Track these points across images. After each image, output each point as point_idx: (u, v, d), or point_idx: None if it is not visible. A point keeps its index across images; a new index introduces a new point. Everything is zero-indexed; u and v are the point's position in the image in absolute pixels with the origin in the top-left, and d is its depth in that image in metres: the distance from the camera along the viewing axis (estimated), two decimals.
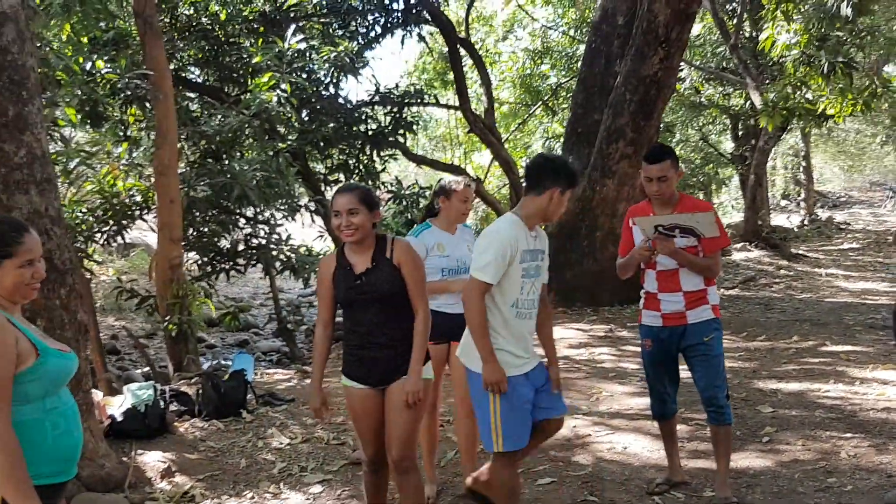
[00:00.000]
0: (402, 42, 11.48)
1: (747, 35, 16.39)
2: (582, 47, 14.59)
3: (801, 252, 15.19)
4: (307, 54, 9.23)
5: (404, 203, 10.80)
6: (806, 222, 21.45)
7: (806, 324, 8.07)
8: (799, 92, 12.18)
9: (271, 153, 8.45)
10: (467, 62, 15.61)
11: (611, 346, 7.53)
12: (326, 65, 9.67)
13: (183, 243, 8.56)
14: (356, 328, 3.14)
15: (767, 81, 15.70)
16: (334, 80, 9.98)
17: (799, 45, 11.05)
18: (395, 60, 52.26)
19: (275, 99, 8.03)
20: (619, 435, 4.81)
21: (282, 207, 8.82)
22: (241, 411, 5.41)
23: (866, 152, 31.11)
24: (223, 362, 7.96)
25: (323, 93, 10.17)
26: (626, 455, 4.47)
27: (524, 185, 3.28)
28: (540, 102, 17.06)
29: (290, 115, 8.64)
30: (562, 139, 12.41)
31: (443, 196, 4.00)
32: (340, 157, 10.86)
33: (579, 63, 11.88)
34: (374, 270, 3.09)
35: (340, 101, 10.49)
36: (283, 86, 8.16)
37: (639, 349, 7.25)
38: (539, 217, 3.17)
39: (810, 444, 4.35)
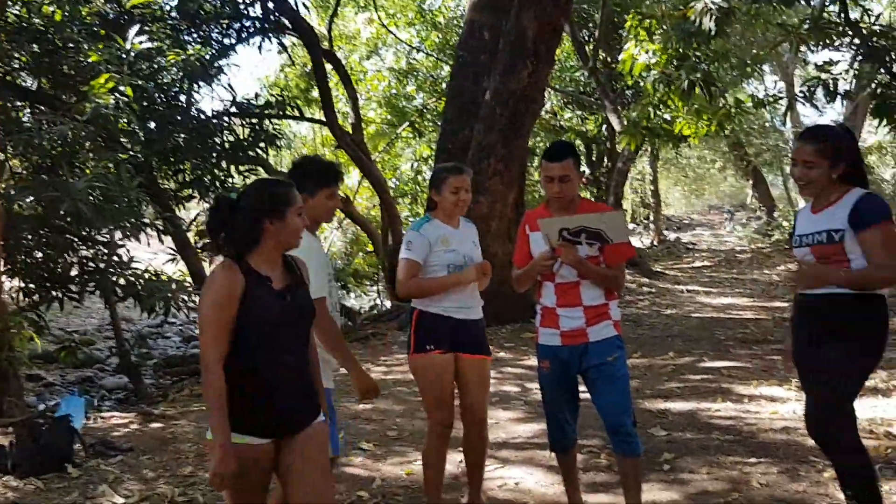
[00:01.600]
0: (260, 48, 10.66)
1: (604, 59, 16.93)
2: (447, 69, 14.45)
3: (660, 270, 15.62)
4: (153, 57, 8.32)
5: None
6: (655, 243, 22.43)
7: (678, 339, 8.05)
8: (658, 112, 12.52)
9: (111, 165, 7.48)
10: (333, 77, 15.11)
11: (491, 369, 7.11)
12: (174, 69, 8.79)
13: (7, 268, 7.46)
14: (281, 359, 2.46)
15: (625, 104, 16.20)
16: (185, 88, 9.09)
17: (658, 64, 11.31)
18: (255, 72, 50.25)
19: (112, 102, 7.11)
20: (510, 469, 4.36)
21: (124, 226, 7.83)
22: (66, 465, 4.51)
23: (705, 177, 33.25)
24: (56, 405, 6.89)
25: (173, 101, 9.27)
26: (520, 492, 4.02)
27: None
28: (407, 123, 16.74)
29: (132, 124, 7.70)
30: (430, 161, 12.11)
31: (433, 188, 3.64)
32: (193, 171, 9.94)
33: (444, 84, 11.67)
34: (295, 287, 2.55)
35: (193, 111, 9.59)
36: (122, 89, 7.25)
37: (520, 370, 7.13)
38: (312, 221, 3.06)
39: (716, 472, 4.07)
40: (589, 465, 4.28)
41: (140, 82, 7.40)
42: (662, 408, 5.35)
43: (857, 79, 9.67)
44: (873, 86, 9.27)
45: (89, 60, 7.64)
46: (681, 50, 10.62)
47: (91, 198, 6.90)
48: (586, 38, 16.50)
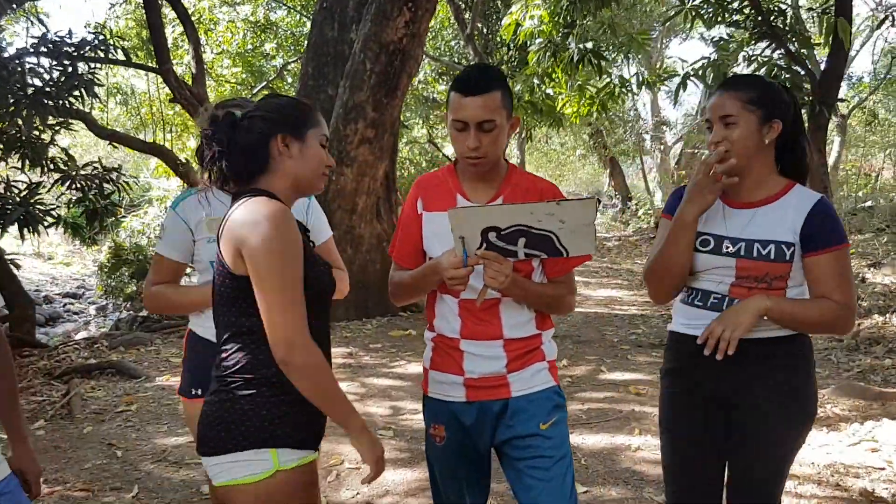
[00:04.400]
0: None
1: (481, 28, 15.90)
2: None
3: None
4: None
5: (80, 186, 8.17)
6: None
7: (567, 342, 7.06)
8: (541, 86, 11.60)
9: None
10: (177, 27, 13.08)
11: (352, 380, 5.79)
12: None
13: None
14: (326, 339, 1.87)
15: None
16: None
17: (544, 32, 10.34)
18: (80, 13, 44.94)
19: None
20: None
21: None
22: None
23: (566, 164, 33.42)
24: None
25: None
26: None
27: None
28: (264, 83, 14.95)
29: None
30: None
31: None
32: None
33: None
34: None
35: None
36: None
37: (389, 383, 5.78)
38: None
39: None
40: None
41: None
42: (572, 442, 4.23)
43: (751, 60, 9.13)
44: (765, 69, 8.72)
45: None
46: (569, 18, 9.66)
47: None
48: (464, 6, 15.33)
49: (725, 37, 9.65)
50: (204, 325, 2.32)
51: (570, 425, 4.35)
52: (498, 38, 14.83)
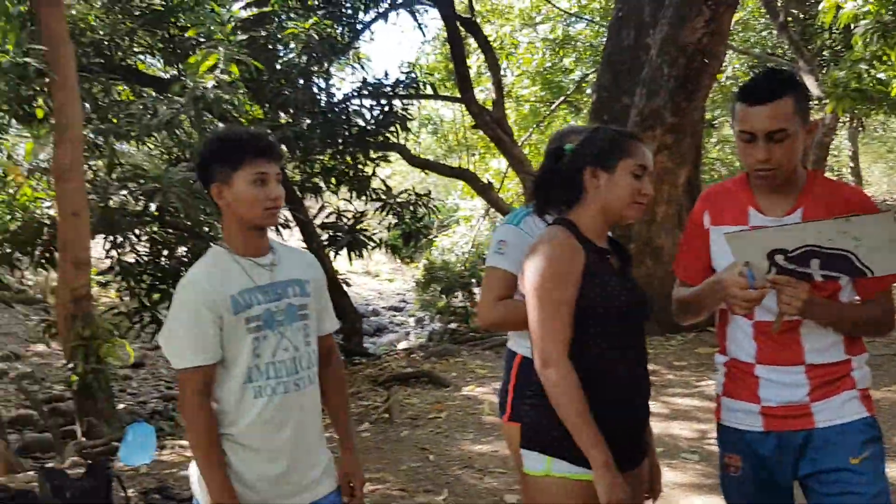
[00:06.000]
0: (385, 18, 9.56)
1: (796, 14, 14.52)
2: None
3: None
4: (259, 25, 7.43)
5: (397, 212, 9.06)
6: None
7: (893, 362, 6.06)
8: (870, 71, 10.23)
9: None
10: (479, 56, 13.87)
11: (654, 399, 5.57)
12: (292, 44, 7.91)
13: (109, 267, 6.92)
14: (629, 362, 1.89)
15: (823, 65, 13.77)
16: (302, 67, 8.21)
17: (870, 13, 9.12)
18: (395, 52, 49.23)
19: (211, 84, 6.27)
20: None
21: None
22: None
23: None
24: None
25: (295, 82, 8.43)
26: None
27: None
28: (562, 98, 15.19)
29: (233, 103, 6.86)
30: None
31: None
32: (328, 160, 9.09)
33: None
34: (629, 269, 1.99)
35: (315, 91, 8.71)
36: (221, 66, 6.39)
37: (696, 403, 5.45)
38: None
39: None
40: None
41: (240, 55, 6.46)
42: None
43: None
44: None
45: (185, 34, 6.88)
46: None
47: (192, 187, 6.15)
48: None
49: None
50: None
51: (891, 456, 3.75)
52: (816, 24, 13.38)
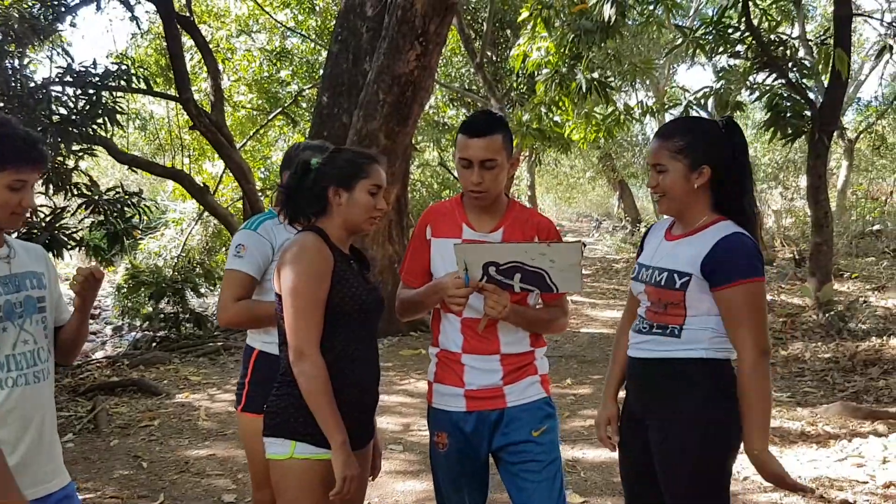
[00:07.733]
0: (98, 4, 8.98)
1: (490, 57, 16.26)
2: (325, 54, 13.19)
3: None
4: None
5: (103, 210, 8.50)
6: None
7: (572, 361, 7.30)
8: (549, 114, 11.90)
9: None
10: (196, 56, 13.50)
11: None
12: None
13: None
14: (368, 355, 2.23)
15: (511, 104, 15.58)
16: (4, 46, 7.43)
17: (551, 63, 10.65)
18: (100, 43, 45.44)
19: None
20: None
21: None
22: None
23: (576, 186, 33.71)
24: None
25: None
26: None
27: None
28: (279, 109, 15.31)
29: None
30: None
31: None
32: None
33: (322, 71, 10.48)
34: (367, 274, 2.31)
35: (10, 72, 7.91)
36: None
37: (401, 400, 6.04)
38: None
39: None
40: None
41: None
42: (571, 457, 4.46)
43: (754, 88, 9.38)
44: (766, 97, 8.97)
45: None
46: (575, 50, 9.97)
47: None
48: (474, 35, 15.73)
49: (728, 67, 9.91)
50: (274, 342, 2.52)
51: (572, 440, 4.65)
52: (507, 67, 15.18)
